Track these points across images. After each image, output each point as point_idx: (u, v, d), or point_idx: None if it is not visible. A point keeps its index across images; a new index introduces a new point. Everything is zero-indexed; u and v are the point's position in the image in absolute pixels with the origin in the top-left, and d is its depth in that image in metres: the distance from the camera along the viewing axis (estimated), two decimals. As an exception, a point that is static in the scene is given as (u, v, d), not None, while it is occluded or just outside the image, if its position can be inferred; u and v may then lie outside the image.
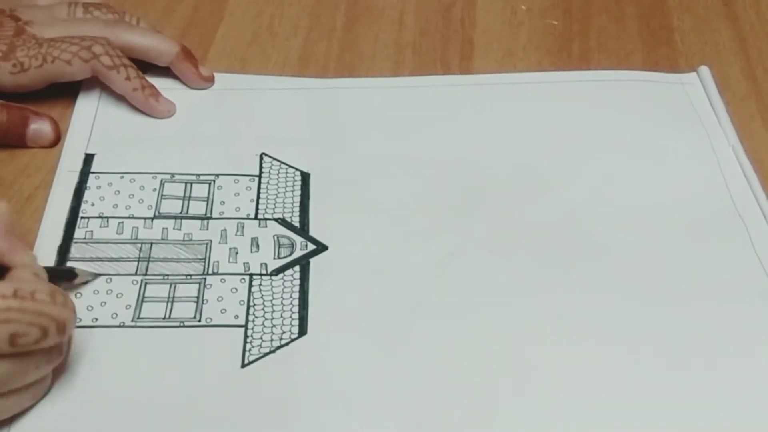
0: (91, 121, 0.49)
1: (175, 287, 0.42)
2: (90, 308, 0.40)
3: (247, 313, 0.41)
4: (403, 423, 0.37)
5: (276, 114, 0.51)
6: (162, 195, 0.46)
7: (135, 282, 0.42)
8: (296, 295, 0.42)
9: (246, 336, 0.40)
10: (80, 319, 0.39)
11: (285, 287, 0.42)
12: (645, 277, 0.43)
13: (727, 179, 0.49)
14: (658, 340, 0.41)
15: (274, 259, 0.43)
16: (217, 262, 0.43)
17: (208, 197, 0.46)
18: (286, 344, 0.40)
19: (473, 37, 0.57)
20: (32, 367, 0.34)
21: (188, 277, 0.42)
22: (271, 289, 0.42)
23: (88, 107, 0.50)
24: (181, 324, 0.40)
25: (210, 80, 0.52)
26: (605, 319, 0.42)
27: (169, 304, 0.41)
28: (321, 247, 0.44)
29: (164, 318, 0.40)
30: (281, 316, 0.41)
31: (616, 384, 0.39)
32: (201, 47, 0.55)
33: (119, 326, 0.40)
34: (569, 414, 0.38)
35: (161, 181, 0.46)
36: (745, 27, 0.59)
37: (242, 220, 0.45)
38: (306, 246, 0.44)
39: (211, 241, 0.44)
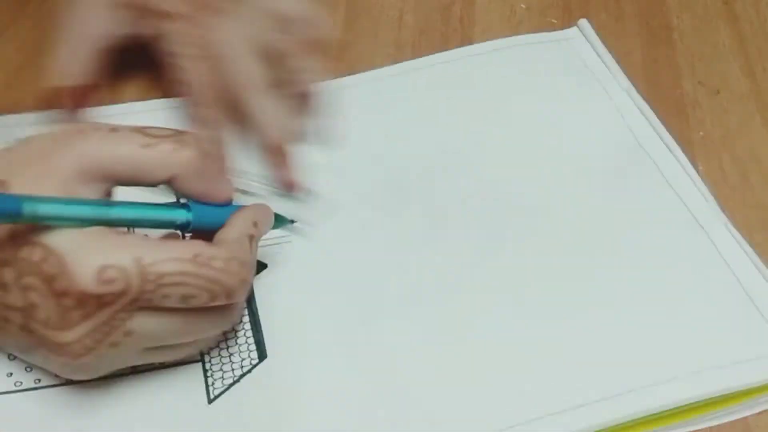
0: None
1: None
2: (29, 369, 0.38)
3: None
4: (380, 426, 0.37)
5: None
6: None
7: None
8: (246, 319, 0.41)
9: (205, 370, 0.39)
10: (21, 383, 0.38)
11: None
12: (577, 230, 0.45)
13: (628, 121, 0.50)
14: (604, 285, 0.43)
15: None
16: None
17: None
18: (249, 371, 0.39)
19: (473, 36, 0.57)
20: (200, 328, 0.36)
21: None
22: None
23: None
24: (133, 371, 0.38)
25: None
26: (555, 281, 0.43)
27: None
28: (260, 265, 0.43)
29: None
30: (236, 344, 0.40)
31: (581, 341, 0.40)
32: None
33: (64, 384, 0.38)
34: (544, 376, 0.39)
35: None
36: (744, 26, 0.59)
37: None
38: None
39: None
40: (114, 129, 0.34)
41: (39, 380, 0.38)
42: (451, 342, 0.40)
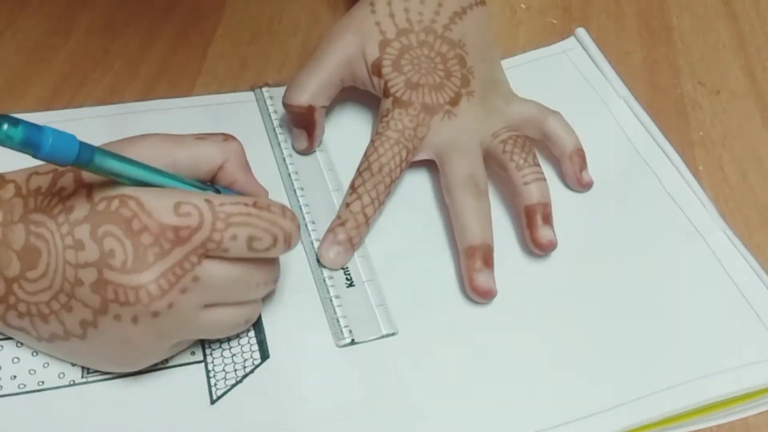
0: None
1: None
2: (32, 372, 0.38)
3: (203, 348, 0.40)
4: (382, 426, 0.37)
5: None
6: None
7: None
8: None
9: (208, 371, 0.39)
10: (24, 385, 0.38)
11: None
12: (577, 239, 0.45)
13: (626, 130, 0.51)
14: (603, 293, 0.43)
15: None
16: None
17: None
18: (251, 371, 0.39)
19: (473, 36, 0.57)
20: (254, 283, 0.38)
21: None
22: None
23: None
24: (137, 372, 0.38)
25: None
26: (551, 291, 0.43)
27: None
28: None
29: None
30: (239, 344, 0.40)
31: (579, 351, 0.40)
32: (200, 47, 0.55)
33: (69, 385, 0.38)
34: (546, 388, 0.39)
35: None
36: (744, 26, 0.59)
37: None
38: None
39: None
40: (168, 135, 0.38)
41: (42, 382, 0.38)
42: (453, 345, 0.40)
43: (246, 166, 0.40)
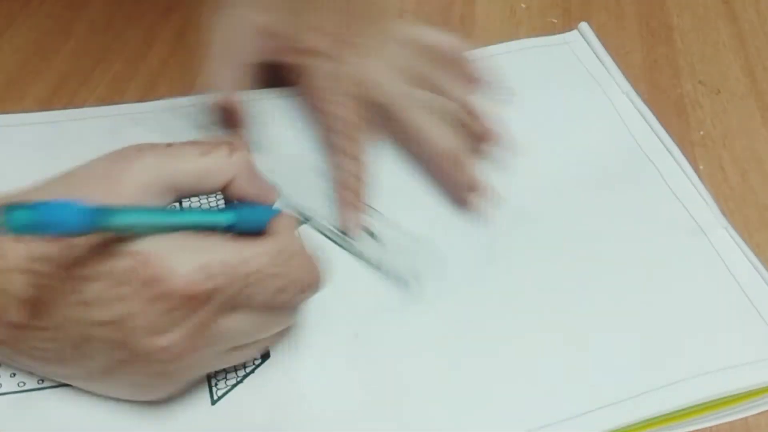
0: None
1: None
2: (12, 375, 0.38)
3: None
4: (383, 426, 0.37)
5: None
6: None
7: None
8: None
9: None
10: (24, 383, 0.37)
11: None
12: (578, 234, 0.45)
13: (629, 125, 0.51)
14: (605, 289, 0.43)
15: None
16: None
17: None
18: (252, 371, 0.39)
19: (473, 35, 0.57)
20: (277, 324, 0.37)
21: None
22: None
23: None
24: None
25: (475, 189, 0.46)
26: (553, 286, 0.43)
27: None
28: None
29: None
30: None
31: (580, 347, 0.40)
32: (200, 47, 0.55)
33: (67, 385, 0.37)
34: (544, 385, 0.39)
35: None
36: (744, 26, 0.59)
37: None
38: None
39: None
40: (169, 144, 0.35)
41: (42, 381, 0.38)
42: (452, 344, 0.40)
43: (255, 176, 0.37)
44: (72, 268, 0.32)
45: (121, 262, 0.32)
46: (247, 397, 0.38)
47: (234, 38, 0.47)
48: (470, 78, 0.47)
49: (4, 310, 0.33)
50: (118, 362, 0.33)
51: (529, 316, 0.42)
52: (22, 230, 0.27)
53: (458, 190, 0.45)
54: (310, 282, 0.36)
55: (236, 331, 0.35)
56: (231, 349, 0.36)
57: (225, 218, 0.35)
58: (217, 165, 0.36)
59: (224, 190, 0.37)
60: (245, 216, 0.36)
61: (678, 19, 0.60)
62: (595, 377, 0.39)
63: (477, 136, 0.46)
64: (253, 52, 0.48)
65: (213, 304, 0.33)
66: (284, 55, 0.48)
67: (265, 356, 0.39)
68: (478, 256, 0.44)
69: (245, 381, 0.38)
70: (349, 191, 0.44)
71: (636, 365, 0.39)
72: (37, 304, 0.32)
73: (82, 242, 0.32)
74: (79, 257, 0.32)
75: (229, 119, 0.47)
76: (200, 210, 0.36)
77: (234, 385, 0.38)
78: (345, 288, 0.42)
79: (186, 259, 0.32)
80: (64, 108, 0.50)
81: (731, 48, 0.57)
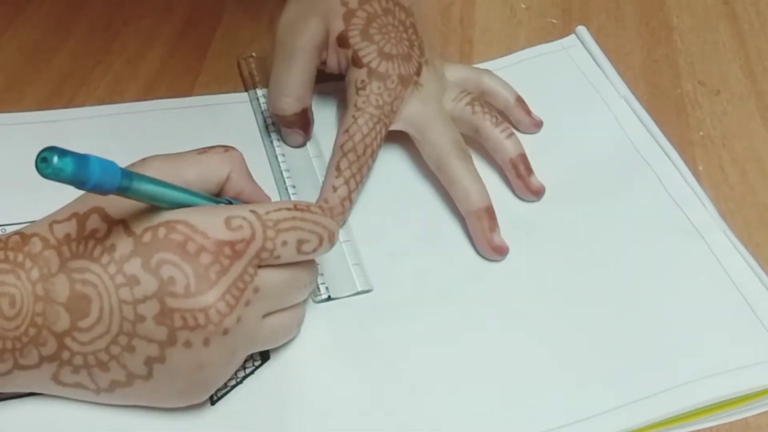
0: None
1: None
2: None
3: None
4: (385, 427, 0.37)
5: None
6: None
7: None
8: None
9: None
10: None
11: None
12: (577, 239, 0.45)
13: (627, 130, 0.51)
14: (603, 293, 0.43)
15: None
16: None
17: None
18: (252, 372, 0.39)
19: (472, 36, 0.57)
20: (302, 284, 0.38)
21: None
22: None
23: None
24: None
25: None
26: (551, 290, 0.43)
27: None
28: None
29: None
30: None
31: (578, 352, 0.40)
32: (199, 47, 0.55)
33: None
34: (544, 390, 0.39)
35: None
36: (744, 26, 0.59)
37: None
38: None
39: None
40: (168, 154, 0.37)
41: None
42: (453, 345, 0.40)
43: (249, 175, 0.40)
44: (104, 254, 0.34)
45: (150, 233, 0.34)
46: (247, 398, 0.38)
47: (306, 46, 0.47)
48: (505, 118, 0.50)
49: (53, 320, 0.34)
50: (171, 341, 0.34)
51: (528, 320, 0.41)
52: (60, 174, 0.27)
53: (488, 247, 0.44)
54: (328, 232, 0.37)
55: (271, 288, 0.36)
56: (268, 315, 0.37)
57: (225, 200, 0.38)
58: (216, 162, 0.38)
59: (223, 190, 0.38)
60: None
61: (678, 19, 0.60)
62: (593, 382, 0.39)
63: (519, 191, 0.48)
64: (319, 60, 0.48)
65: (246, 257, 0.34)
66: (341, 66, 0.48)
67: (265, 358, 0.39)
68: (476, 259, 0.44)
69: (245, 382, 0.38)
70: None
71: (635, 369, 0.39)
72: (80, 302, 0.33)
73: (104, 227, 0.34)
74: (107, 243, 0.34)
75: (303, 125, 0.48)
76: (208, 196, 0.37)
77: (233, 386, 0.38)
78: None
79: (214, 216, 0.35)
80: (64, 108, 0.50)
81: (731, 48, 0.58)
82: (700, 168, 0.50)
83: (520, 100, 0.50)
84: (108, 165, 0.29)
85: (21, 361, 0.34)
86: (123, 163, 0.32)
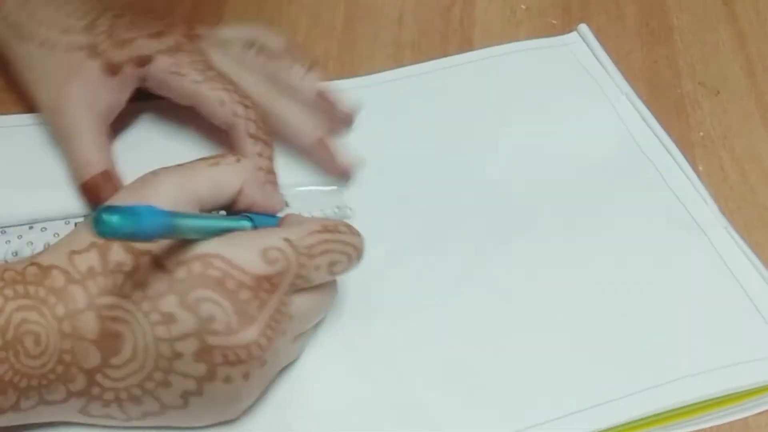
0: None
1: None
2: None
3: None
4: (386, 427, 0.38)
5: None
6: None
7: None
8: None
9: None
10: None
11: None
12: (578, 234, 0.45)
13: (628, 126, 0.51)
14: (605, 288, 0.43)
15: None
16: None
17: None
18: None
19: (473, 36, 0.57)
20: (329, 302, 0.39)
21: None
22: None
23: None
24: None
25: (347, 172, 0.47)
26: (553, 284, 0.43)
27: None
28: None
29: None
30: None
31: (580, 344, 0.40)
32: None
33: None
34: (544, 381, 0.39)
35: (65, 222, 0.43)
36: (744, 26, 0.59)
37: None
38: None
39: None
40: (179, 165, 0.36)
41: None
42: (454, 343, 0.40)
43: (260, 183, 0.39)
44: (136, 290, 0.33)
45: (185, 269, 0.33)
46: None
47: (87, 95, 0.44)
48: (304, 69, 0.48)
49: (82, 357, 0.33)
50: (210, 377, 0.33)
51: (529, 315, 0.42)
52: (113, 234, 0.27)
53: (332, 168, 0.46)
54: (356, 250, 0.37)
55: (303, 312, 0.36)
56: (294, 339, 0.37)
57: (246, 222, 0.37)
58: (228, 175, 0.37)
59: (235, 201, 0.38)
60: (259, 221, 0.38)
61: (678, 19, 0.60)
62: (593, 375, 0.39)
63: (335, 120, 0.48)
64: (114, 96, 0.45)
65: (282, 288, 0.34)
66: (138, 78, 0.46)
67: None
68: (477, 255, 0.44)
69: None
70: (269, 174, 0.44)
71: (635, 363, 0.39)
72: (112, 340, 0.33)
73: (131, 262, 0.33)
74: (137, 278, 0.33)
75: (100, 197, 0.42)
76: (224, 217, 0.37)
77: None
78: (346, 285, 0.42)
79: (249, 249, 0.34)
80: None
81: (731, 48, 0.57)
82: (700, 168, 0.50)
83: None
84: (155, 215, 0.29)
85: (47, 397, 0.33)
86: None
